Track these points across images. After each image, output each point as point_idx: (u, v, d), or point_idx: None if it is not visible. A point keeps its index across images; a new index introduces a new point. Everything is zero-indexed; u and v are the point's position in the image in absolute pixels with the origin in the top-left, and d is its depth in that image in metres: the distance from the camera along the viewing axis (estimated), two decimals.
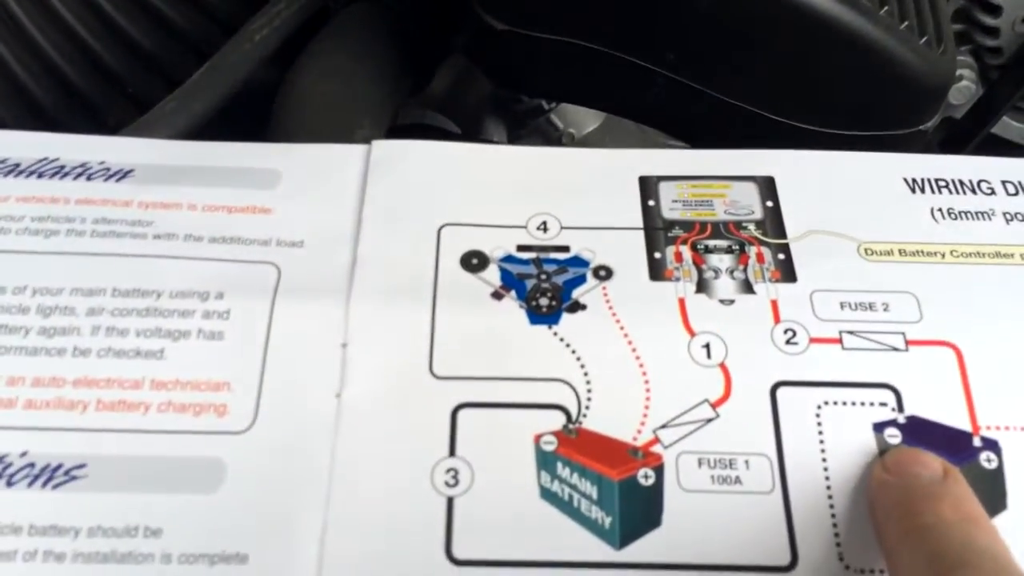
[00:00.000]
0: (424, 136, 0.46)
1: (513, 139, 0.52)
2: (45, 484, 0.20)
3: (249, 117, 0.35)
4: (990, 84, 0.46)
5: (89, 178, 0.25)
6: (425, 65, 0.42)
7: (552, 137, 0.52)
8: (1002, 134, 0.48)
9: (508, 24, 0.32)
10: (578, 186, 0.26)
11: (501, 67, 0.35)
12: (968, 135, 0.46)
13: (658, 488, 0.21)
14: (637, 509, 0.21)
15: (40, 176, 0.25)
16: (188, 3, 0.38)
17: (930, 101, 0.34)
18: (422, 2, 0.40)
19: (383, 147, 0.26)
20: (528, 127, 0.53)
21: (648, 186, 0.26)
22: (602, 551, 0.20)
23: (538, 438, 0.21)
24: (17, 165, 0.25)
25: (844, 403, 0.22)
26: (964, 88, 0.46)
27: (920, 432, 0.22)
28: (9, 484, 0.20)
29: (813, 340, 0.23)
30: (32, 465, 0.20)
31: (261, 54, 0.35)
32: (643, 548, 0.20)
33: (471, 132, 0.49)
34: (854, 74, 0.32)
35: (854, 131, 0.34)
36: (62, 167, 0.25)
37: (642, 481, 0.21)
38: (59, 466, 0.20)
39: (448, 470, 0.21)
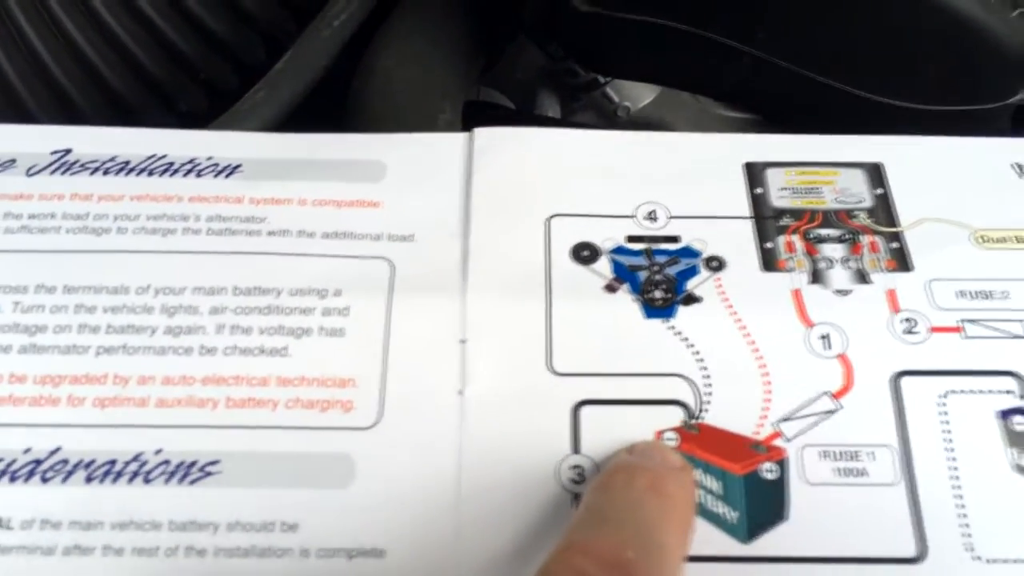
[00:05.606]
0: (479, 111, 0.45)
1: (567, 113, 0.51)
2: (181, 480, 0.21)
3: (316, 103, 0.35)
4: None
5: (199, 175, 0.25)
6: (497, 44, 0.41)
7: (607, 110, 0.51)
8: None
9: (593, 5, 0.32)
10: (684, 173, 0.25)
11: (586, 49, 0.35)
12: None
13: (782, 482, 0.21)
14: (763, 503, 0.21)
15: (151, 174, 0.25)
16: None
17: (1020, 73, 0.33)
18: None
19: (485, 135, 0.26)
20: (582, 101, 0.52)
21: (755, 173, 0.26)
22: (730, 545, 0.20)
23: (659, 435, 0.21)
24: (127, 163, 0.25)
25: (968, 391, 0.22)
26: None
27: None
28: (147, 481, 0.21)
29: (934, 329, 0.23)
30: (167, 462, 0.21)
31: (341, 39, 0.35)
32: (771, 542, 0.20)
33: (524, 106, 0.49)
34: (943, 47, 0.31)
35: (940, 106, 0.33)
36: (171, 164, 0.25)
37: (766, 475, 0.21)
38: (194, 462, 0.21)
39: (573, 467, 0.21)
